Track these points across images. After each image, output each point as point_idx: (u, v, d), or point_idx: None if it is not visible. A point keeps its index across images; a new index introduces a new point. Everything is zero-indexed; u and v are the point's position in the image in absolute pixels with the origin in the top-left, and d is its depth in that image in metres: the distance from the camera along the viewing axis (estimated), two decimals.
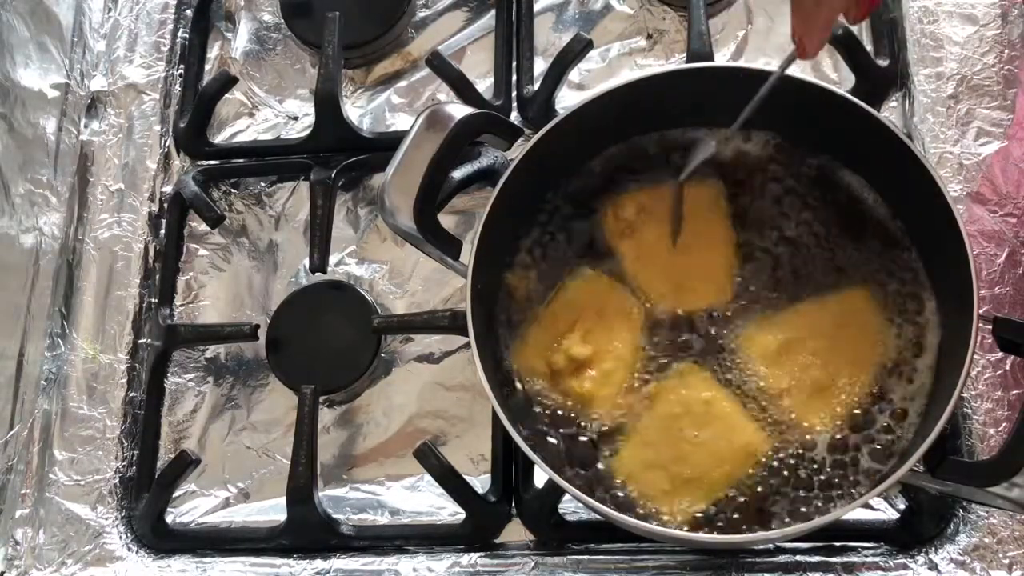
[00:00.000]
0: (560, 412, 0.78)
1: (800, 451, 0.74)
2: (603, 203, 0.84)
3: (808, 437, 0.75)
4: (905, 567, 0.78)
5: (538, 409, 0.78)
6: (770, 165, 0.83)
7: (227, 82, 1.02)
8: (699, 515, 0.73)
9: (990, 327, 0.73)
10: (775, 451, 0.74)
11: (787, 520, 0.72)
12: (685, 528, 0.73)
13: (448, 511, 0.87)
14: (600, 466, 0.76)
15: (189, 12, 1.09)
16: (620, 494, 0.74)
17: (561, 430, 0.77)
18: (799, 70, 0.95)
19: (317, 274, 0.95)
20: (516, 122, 0.92)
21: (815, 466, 0.74)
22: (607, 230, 0.83)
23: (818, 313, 0.78)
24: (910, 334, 0.77)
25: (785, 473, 0.74)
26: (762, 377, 0.77)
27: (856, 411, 0.75)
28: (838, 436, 0.74)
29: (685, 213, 0.81)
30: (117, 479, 0.93)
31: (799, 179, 0.83)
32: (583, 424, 0.77)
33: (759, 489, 0.74)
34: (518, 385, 0.79)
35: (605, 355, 0.78)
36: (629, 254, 0.82)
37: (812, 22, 0.59)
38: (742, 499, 0.73)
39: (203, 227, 1.01)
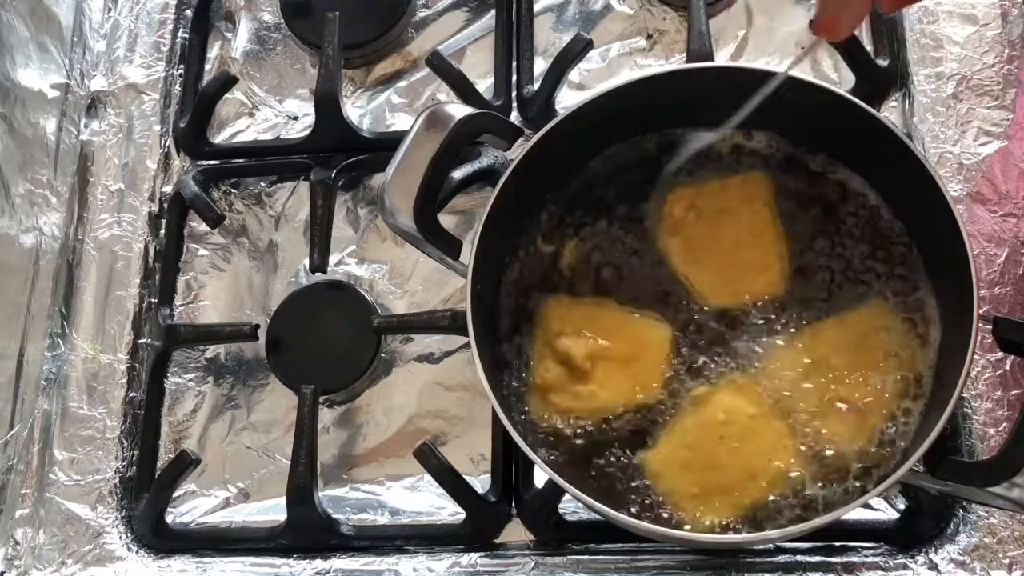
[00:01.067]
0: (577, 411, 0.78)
1: (826, 466, 0.74)
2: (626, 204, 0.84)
3: (835, 452, 0.74)
4: (905, 567, 0.78)
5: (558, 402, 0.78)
6: (772, 166, 0.83)
7: (227, 82, 1.02)
8: (721, 525, 0.73)
9: (990, 327, 0.73)
10: (809, 474, 0.73)
11: (787, 520, 0.72)
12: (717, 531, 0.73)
13: (448, 511, 0.87)
14: (634, 460, 0.76)
15: (189, 12, 1.09)
16: (647, 493, 0.74)
17: (581, 426, 0.77)
18: (799, 70, 0.95)
19: (317, 274, 0.95)
20: (516, 122, 0.92)
21: (833, 475, 0.74)
22: (655, 227, 0.82)
23: (845, 327, 0.78)
24: (911, 334, 0.77)
25: (804, 482, 0.74)
26: (795, 389, 0.76)
27: (879, 424, 0.74)
28: (859, 447, 0.74)
29: (732, 205, 0.81)
30: (117, 479, 0.93)
31: (800, 180, 0.83)
32: (603, 423, 0.77)
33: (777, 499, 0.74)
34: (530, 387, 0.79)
35: (629, 352, 0.78)
36: (676, 250, 0.82)
37: (843, 8, 0.61)
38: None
39: (203, 227, 1.01)
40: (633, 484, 0.75)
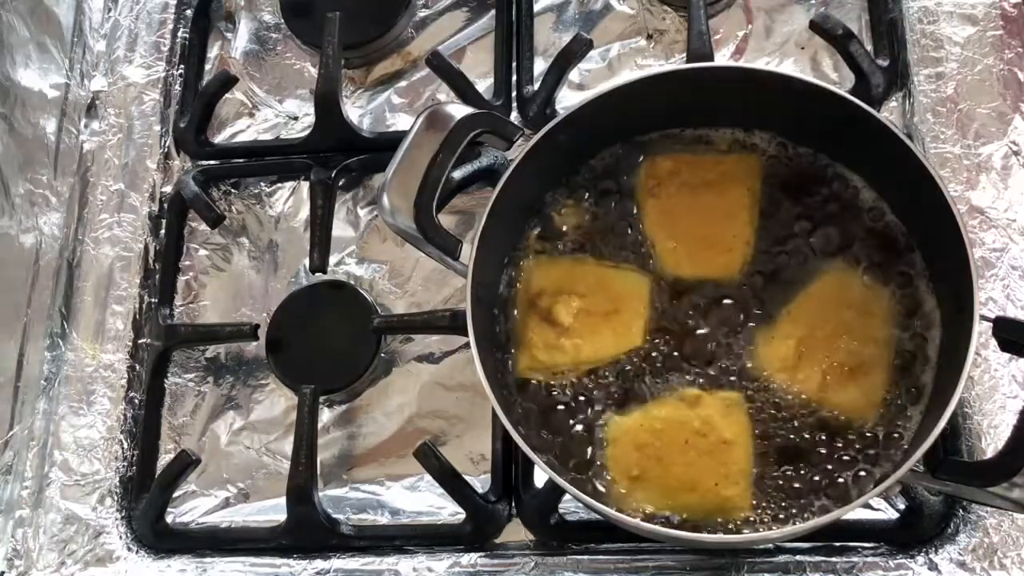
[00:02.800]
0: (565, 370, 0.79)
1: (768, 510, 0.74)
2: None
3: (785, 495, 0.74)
4: (905, 567, 0.78)
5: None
6: (769, 164, 0.83)
7: (227, 82, 1.02)
8: (643, 513, 0.74)
9: (990, 327, 0.73)
10: (748, 509, 0.73)
11: (785, 520, 0.72)
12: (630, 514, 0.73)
13: (448, 511, 0.87)
14: (601, 418, 0.77)
15: (189, 12, 1.09)
16: (596, 450, 0.76)
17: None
18: (799, 70, 0.95)
19: (317, 274, 0.95)
20: (516, 122, 0.92)
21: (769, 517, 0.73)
22: (637, 186, 0.83)
23: (812, 303, 0.78)
24: (910, 334, 0.77)
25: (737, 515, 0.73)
26: (787, 388, 0.76)
27: (889, 389, 0.75)
28: (868, 428, 0.74)
29: (717, 181, 0.82)
30: (117, 479, 0.93)
31: (798, 178, 0.83)
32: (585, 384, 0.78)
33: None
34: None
35: (609, 305, 0.79)
36: (651, 212, 0.82)
37: None
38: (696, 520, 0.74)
39: (203, 227, 1.01)
40: (591, 438, 0.76)
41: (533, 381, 0.79)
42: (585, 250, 0.82)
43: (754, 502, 0.73)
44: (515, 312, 0.81)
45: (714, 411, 0.76)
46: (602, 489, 0.74)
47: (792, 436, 0.75)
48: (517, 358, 0.80)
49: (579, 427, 0.77)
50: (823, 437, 0.75)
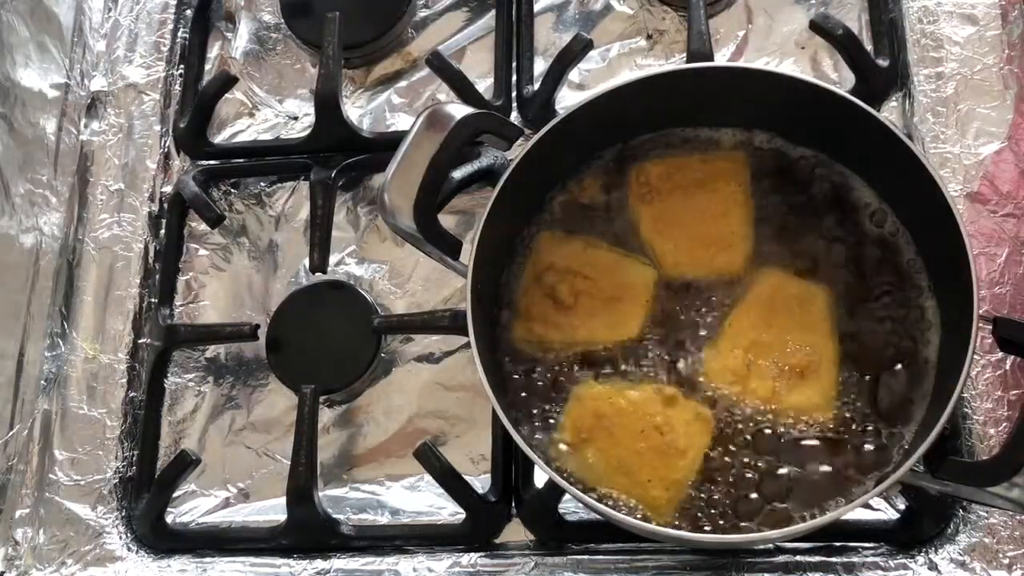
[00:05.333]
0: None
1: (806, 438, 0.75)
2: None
3: (813, 429, 0.75)
4: (905, 567, 0.78)
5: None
6: (771, 165, 0.83)
7: (227, 82, 1.02)
8: (567, 473, 0.75)
9: (990, 327, 0.73)
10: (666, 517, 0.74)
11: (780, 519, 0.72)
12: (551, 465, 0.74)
13: (448, 511, 0.87)
14: (577, 377, 0.78)
15: (189, 12, 1.09)
16: (557, 407, 0.77)
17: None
18: (799, 70, 0.95)
19: (317, 274, 0.95)
20: (516, 122, 0.92)
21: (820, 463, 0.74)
22: (628, 193, 0.84)
23: (751, 310, 0.79)
24: (910, 334, 0.77)
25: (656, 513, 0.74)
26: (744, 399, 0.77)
27: (848, 383, 0.75)
28: (838, 428, 0.74)
29: (709, 180, 0.82)
30: (117, 479, 0.93)
31: (798, 179, 0.83)
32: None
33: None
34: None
35: (613, 291, 0.80)
36: (647, 218, 0.83)
37: None
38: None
39: (203, 227, 1.01)
40: (555, 391, 0.78)
41: (522, 349, 0.80)
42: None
43: (676, 514, 0.74)
44: (520, 280, 0.82)
45: (681, 416, 0.76)
46: (544, 439, 0.76)
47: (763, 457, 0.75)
48: (512, 326, 0.81)
49: (547, 381, 0.78)
50: (801, 429, 0.75)
